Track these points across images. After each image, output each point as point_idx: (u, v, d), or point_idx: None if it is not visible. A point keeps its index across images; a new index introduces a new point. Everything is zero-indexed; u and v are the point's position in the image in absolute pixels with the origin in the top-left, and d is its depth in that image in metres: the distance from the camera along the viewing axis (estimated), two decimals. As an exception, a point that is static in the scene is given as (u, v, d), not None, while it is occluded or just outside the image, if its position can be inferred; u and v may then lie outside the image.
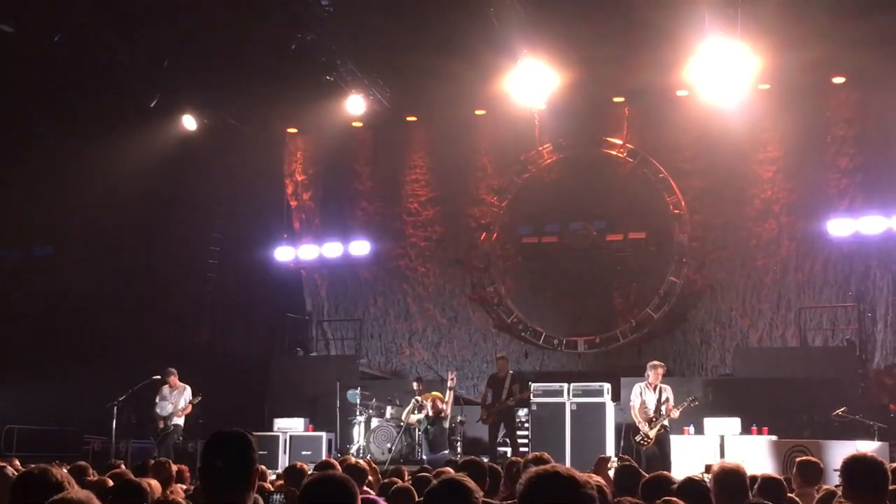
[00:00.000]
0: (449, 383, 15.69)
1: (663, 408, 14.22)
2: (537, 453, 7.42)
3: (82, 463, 8.33)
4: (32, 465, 4.38)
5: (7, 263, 22.72)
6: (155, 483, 6.51)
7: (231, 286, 21.07)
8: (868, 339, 17.50)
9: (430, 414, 15.39)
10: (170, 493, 7.39)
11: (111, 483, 6.22)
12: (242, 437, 3.92)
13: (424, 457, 15.33)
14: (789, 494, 6.61)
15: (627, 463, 7.56)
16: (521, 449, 15.80)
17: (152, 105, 18.53)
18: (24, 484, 4.15)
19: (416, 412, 15.90)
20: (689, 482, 5.80)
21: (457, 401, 16.19)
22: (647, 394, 14.44)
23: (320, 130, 20.40)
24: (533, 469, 2.97)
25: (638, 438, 14.20)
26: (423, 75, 17.94)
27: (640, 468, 7.74)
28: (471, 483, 3.65)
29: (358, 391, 16.83)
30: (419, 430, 15.93)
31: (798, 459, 7.57)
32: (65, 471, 4.44)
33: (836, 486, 6.64)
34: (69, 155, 19.65)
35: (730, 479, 5.49)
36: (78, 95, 18.32)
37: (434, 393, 15.89)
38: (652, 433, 14.14)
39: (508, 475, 7.33)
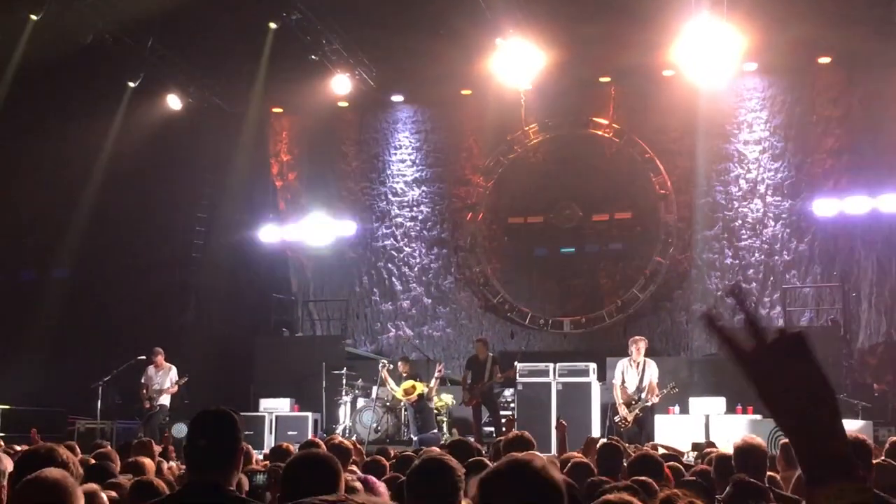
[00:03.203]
0: (436, 374, 15.72)
1: (644, 393, 14.04)
2: (517, 432, 7.40)
3: (70, 443, 8.32)
4: (39, 444, 4.32)
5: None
6: (148, 462, 6.53)
7: (216, 266, 20.92)
8: (852, 319, 17.55)
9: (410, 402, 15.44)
10: (167, 469, 7.44)
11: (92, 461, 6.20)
12: (227, 416, 3.87)
13: (413, 437, 15.34)
14: (772, 473, 6.67)
15: (609, 442, 7.54)
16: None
17: (136, 84, 18.43)
18: (29, 461, 4.10)
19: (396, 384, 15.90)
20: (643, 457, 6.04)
21: (443, 381, 16.19)
22: (630, 372, 14.25)
23: (305, 110, 20.30)
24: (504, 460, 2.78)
25: (616, 419, 14.16)
26: (408, 55, 17.86)
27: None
28: (453, 461, 3.63)
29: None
30: (405, 410, 15.93)
31: (782, 442, 7.64)
32: (70, 453, 4.40)
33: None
34: (51, 134, 19.49)
35: (752, 453, 5.82)
36: (60, 75, 18.15)
37: (417, 386, 15.70)
38: (630, 416, 14.00)
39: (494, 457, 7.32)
